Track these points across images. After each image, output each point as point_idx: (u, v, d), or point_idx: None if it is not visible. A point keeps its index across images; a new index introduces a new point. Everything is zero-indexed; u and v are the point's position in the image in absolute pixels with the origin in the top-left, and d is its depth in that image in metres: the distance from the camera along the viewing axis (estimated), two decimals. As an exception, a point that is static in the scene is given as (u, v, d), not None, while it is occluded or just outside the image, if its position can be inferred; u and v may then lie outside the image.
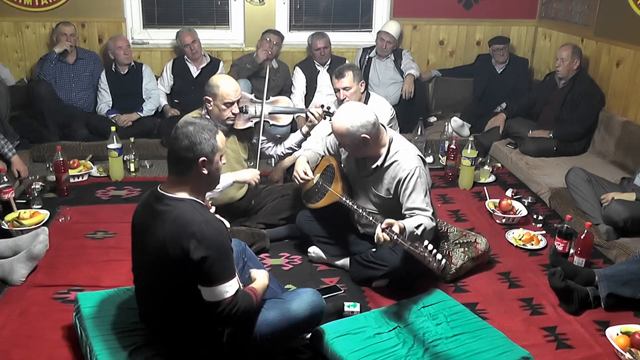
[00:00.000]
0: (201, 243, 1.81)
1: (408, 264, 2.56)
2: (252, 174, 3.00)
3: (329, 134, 3.15)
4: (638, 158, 3.75)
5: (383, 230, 2.22)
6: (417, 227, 2.41)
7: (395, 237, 2.19)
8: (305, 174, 2.86)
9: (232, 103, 2.94)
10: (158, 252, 1.87)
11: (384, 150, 2.62)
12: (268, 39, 4.68)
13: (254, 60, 4.70)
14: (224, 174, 3.01)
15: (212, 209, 2.17)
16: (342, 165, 2.88)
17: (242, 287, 2.05)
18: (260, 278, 2.11)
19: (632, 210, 3.00)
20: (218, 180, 2.04)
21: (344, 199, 2.67)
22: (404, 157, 2.60)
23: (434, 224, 2.54)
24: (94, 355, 2.05)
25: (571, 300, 2.60)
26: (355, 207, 2.61)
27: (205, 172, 1.93)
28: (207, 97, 2.95)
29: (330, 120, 3.40)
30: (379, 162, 2.63)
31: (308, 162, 2.95)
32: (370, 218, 2.44)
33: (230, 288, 1.87)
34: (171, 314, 1.95)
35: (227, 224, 3.08)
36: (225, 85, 2.92)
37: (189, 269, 1.83)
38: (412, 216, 2.50)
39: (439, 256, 2.03)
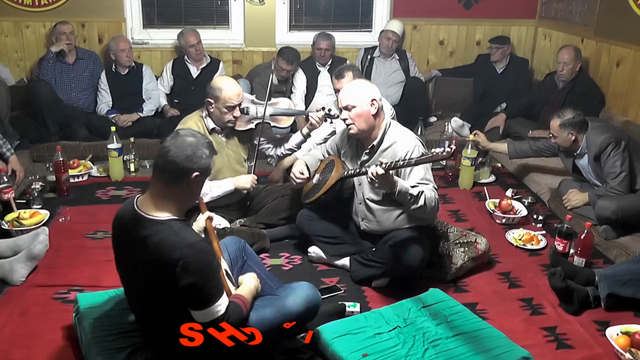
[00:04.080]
0: (186, 269, 1.75)
1: (408, 263, 2.57)
2: (250, 180, 3.03)
3: (326, 138, 3.16)
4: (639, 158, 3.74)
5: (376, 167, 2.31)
6: (413, 187, 2.45)
7: (385, 165, 2.28)
8: (301, 173, 2.85)
9: (234, 107, 2.94)
10: (144, 278, 1.85)
11: (382, 131, 2.66)
12: (283, 67, 4.63)
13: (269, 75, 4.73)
14: (224, 179, 3.03)
15: (207, 215, 2.18)
16: (342, 159, 2.88)
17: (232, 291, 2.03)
18: (246, 282, 2.10)
19: (620, 201, 3.03)
20: (195, 201, 2.02)
21: (345, 172, 2.71)
22: (402, 138, 2.65)
23: (435, 195, 2.52)
24: (94, 356, 2.04)
25: (571, 300, 2.60)
26: (359, 170, 2.65)
27: (193, 187, 1.88)
28: (209, 100, 2.95)
29: (332, 122, 3.41)
30: (375, 142, 2.66)
31: (306, 165, 2.93)
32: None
33: (221, 306, 1.85)
34: (165, 322, 1.93)
35: (227, 224, 3.09)
36: (228, 88, 2.92)
37: (178, 294, 1.79)
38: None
39: (447, 148, 2.19)
